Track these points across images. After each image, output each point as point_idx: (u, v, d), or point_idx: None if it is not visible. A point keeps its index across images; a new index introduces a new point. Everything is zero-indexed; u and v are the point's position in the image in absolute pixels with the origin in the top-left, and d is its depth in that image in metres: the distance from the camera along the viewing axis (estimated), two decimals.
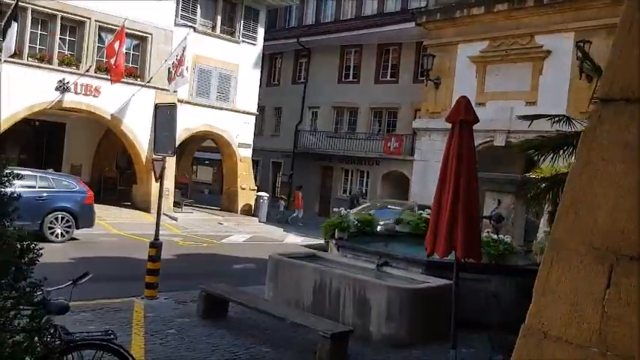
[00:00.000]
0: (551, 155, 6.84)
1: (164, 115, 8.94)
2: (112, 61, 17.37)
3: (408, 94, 25.98)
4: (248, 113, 23.62)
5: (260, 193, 23.72)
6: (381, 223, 14.27)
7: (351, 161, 27.90)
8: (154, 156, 9.11)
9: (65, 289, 4.53)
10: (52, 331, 4.05)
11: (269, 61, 32.30)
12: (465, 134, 5.66)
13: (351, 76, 29.15)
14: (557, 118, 7.27)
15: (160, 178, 8.98)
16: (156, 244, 8.73)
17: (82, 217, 13.59)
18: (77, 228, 13.62)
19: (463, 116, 5.68)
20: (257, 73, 24.12)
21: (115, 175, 24.07)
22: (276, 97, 31.50)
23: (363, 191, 27.31)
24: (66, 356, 4.09)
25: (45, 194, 13.14)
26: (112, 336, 4.05)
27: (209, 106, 22.14)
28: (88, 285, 9.40)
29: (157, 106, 9.16)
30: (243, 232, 19.35)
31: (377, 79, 28.02)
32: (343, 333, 6.50)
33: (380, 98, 27.29)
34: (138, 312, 7.96)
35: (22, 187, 12.80)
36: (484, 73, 22.37)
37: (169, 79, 19.06)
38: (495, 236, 8.53)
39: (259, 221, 22.54)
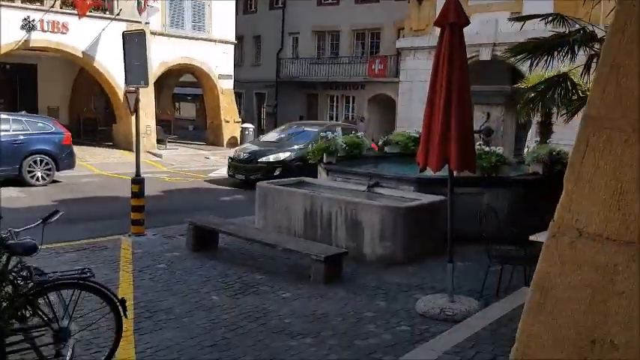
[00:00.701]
0: (546, 57, 6.45)
1: (133, 43, 8.37)
2: None
3: (391, 13, 25.06)
4: (226, 42, 22.73)
5: (245, 125, 23.23)
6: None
7: (336, 87, 27.27)
8: (126, 88, 8.62)
9: (37, 230, 4.23)
10: (22, 273, 3.78)
11: None
12: (456, 38, 5.24)
13: None
14: (550, 18, 6.83)
15: (135, 111, 8.53)
16: (138, 180, 8.41)
17: (62, 159, 13.16)
18: (57, 170, 13.22)
19: (453, 18, 5.23)
20: None
21: (94, 116, 23.41)
22: (255, 24, 30.36)
23: (350, 117, 26.85)
24: (43, 298, 3.85)
25: (21, 137, 12.64)
26: (89, 274, 3.79)
27: (184, 37, 21.21)
28: (72, 226, 9.24)
29: (124, 35, 8.56)
30: None
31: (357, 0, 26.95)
32: (337, 255, 6.33)
33: (362, 19, 26.34)
34: (125, 249, 7.75)
35: None
36: None
37: (139, 10, 18.14)
38: (487, 148, 8.26)
39: None
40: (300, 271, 6.75)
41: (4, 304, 3.52)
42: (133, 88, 8.47)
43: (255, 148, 15.21)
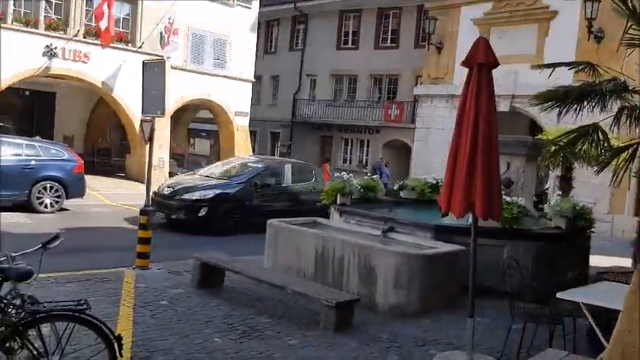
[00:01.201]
0: (575, 106, 6.22)
1: (152, 72, 8.29)
2: (101, 23, 16.55)
3: (409, 59, 25.23)
4: (244, 80, 22.88)
5: None
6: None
7: (351, 130, 27.24)
8: (142, 117, 8.49)
9: (35, 255, 3.97)
10: (15, 301, 3.50)
11: (265, 28, 31.40)
12: (484, 79, 5.04)
13: (350, 42, 28.30)
14: (580, 66, 6.64)
15: (150, 140, 8.38)
16: (146, 211, 8.17)
17: (72, 187, 12.99)
18: (67, 198, 13.04)
19: (482, 59, 5.05)
20: (253, 37, 23.31)
21: (109, 146, 23.46)
22: (274, 65, 30.68)
23: (364, 161, 26.70)
24: (35, 329, 3.55)
25: (32, 162, 12.52)
26: (85, 306, 3.50)
27: (204, 73, 21.39)
28: (76, 255, 8.97)
29: (144, 63, 8.50)
30: None
31: (377, 45, 27.20)
32: (349, 302, 5.99)
33: (380, 65, 26.51)
34: (128, 282, 7.44)
35: (6, 155, 12.27)
36: (488, 36, 21.55)
37: (162, 45, 18.31)
38: (509, 199, 7.96)
39: None
40: (308, 316, 6.39)
41: None
42: (149, 117, 8.34)
43: (184, 182, 13.16)
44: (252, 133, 30.48)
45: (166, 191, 12.58)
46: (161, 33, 18.22)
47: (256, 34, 23.83)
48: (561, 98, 6.17)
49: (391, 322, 6.53)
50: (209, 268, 7.32)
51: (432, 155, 22.73)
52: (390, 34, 26.93)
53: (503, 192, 10.92)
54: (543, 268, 8.00)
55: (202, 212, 11.99)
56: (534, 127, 22.62)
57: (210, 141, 34.51)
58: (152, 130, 8.32)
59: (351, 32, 28.28)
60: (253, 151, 27.97)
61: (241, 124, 23.07)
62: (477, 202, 4.84)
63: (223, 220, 12.19)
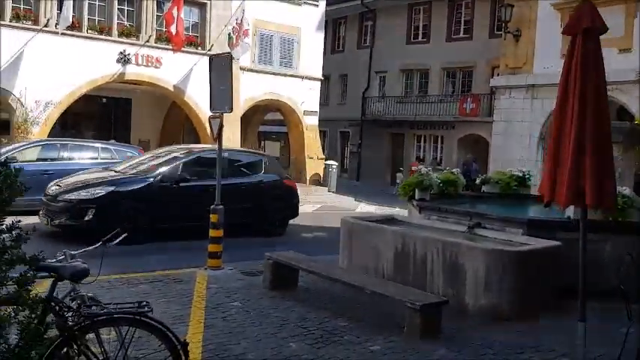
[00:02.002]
0: None
1: (219, 67, 8.03)
2: (172, 28, 16.69)
3: (484, 50, 24.10)
4: (313, 79, 22.57)
5: (329, 162, 22.74)
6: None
7: (424, 126, 26.37)
8: (210, 113, 8.24)
9: (96, 252, 3.67)
10: (72, 303, 3.19)
11: (332, 27, 31.06)
12: (591, 47, 4.32)
13: (420, 36, 27.45)
14: None
15: (219, 137, 8.12)
16: (217, 210, 7.90)
17: None
18: None
19: (588, 22, 4.34)
20: (320, 36, 22.96)
21: None
22: (341, 63, 30.26)
23: (438, 158, 25.78)
24: (94, 333, 3.23)
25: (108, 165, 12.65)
26: (146, 308, 3.14)
27: (272, 73, 21.25)
28: (148, 255, 8.85)
29: (211, 58, 8.26)
30: (312, 202, 18.46)
31: (449, 37, 26.20)
32: (436, 304, 5.40)
33: (453, 57, 25.50)
34: (200, 283, 7.18)
35: (83, 158, 12.46)
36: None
37: (231, 46, 18.27)
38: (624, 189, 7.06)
39: (329, 191, 21.61)
40: (390, 320, 5.85)
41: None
42: (217, 114, 8.08)
43: (81, 178, 10.46)
44: (322, 133, 30.19)
45: (52, 190, 10.09)
46: (229, 34, 18.18)
47: (323, 33, 23.44)
48: None
49: (482, 326, 5.89)
50: (282, 268, 6.93)
51: (511, 149, 21.54)
52: (462, 24, 25.88)
53: None
54: None
55: (89, 216, 9.37)
56: (623, 115, 21.00)
57: (281, 142, 34.57)
58: (221, 127, 8.06)
59: (421, 26, 27.42)
60: (323, 150, 27.71)
61: (310, 124, 22.78)
62: (586, 190, 4.14)
63: (117, 225, 8.99)
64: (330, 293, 6.85)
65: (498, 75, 22.55)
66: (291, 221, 13.93)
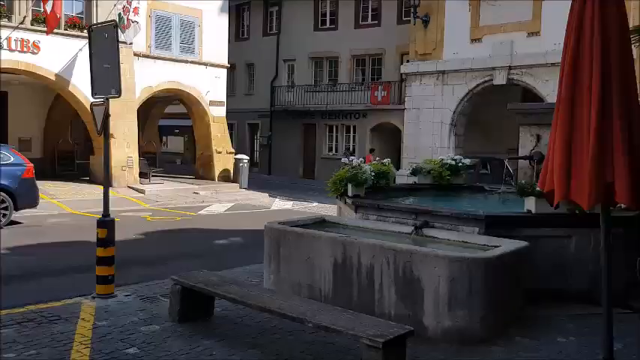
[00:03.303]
0: None
1: (101, 40, 6.33)
2: (47, 6, 14.35)
3: (393, 37, 23.46)
4: (218, 66, 20.78)
5: (239, 156, 21.11)
6: None
7: (336, 116, 25.39)
8: (93, 100, 6.51)
9: None
10: None
11: (235, 14, 29.29)
12: (613, 6, 3.18)
13: (328, 23, 26.37)
14: None
15: (104, 130, 6.41)
16: (106, 223, 6.22)
17: (22, 196, 10.93)
18: (16, 209, 10.97)
19: None
20: (224, 19, 21.20)
21: (71, 148, 21.20)
22: (247, 52, 28.62)
23: (351, 147, 24.92)
24: None
25: None
26: None
27: (172, 60, 19.24)
28: (23, 283, 6.98)
29: (90, 29, 6.50)
30: (223, 201, 16.86)
31: (357, 24, 25.34)
32: (400, 337, 4.15)
33: (361, 44, 24.67)
34: (85, 321, 5.51)
35: None
36: (478, 5, 19.89)
37: (121, 27, 16.16)
38: None
39: (240, 187, 20.03)
40: (339, 357, 4.55)
41: None
42: (101, 100, 6.37)
43: None
44: (230, 126, 28.47)
45: None
46: (119, 14, 16.06)
47: (227, 14, 21.68)
48: None
49: (449, 353, 4.73)
50: (194, 293, 5.43)
51: (424, 136, 21.08)
52: (370, 10, 25.08)
53: (533, 169, 9.23)
54: (620, 263, 6.28)
55: None
56: (527, 98, 21.08)
57: (184, 137, 32.38)
58: (106, 117, 6.35)
59: (328, 12, 26.35)
60: (231, 144, 26.05)
61: (217, 115, 21.00)
62: (617, 184, 3.01)
63: None
64: (258, 322, 5.45)
65: (408, 62, 22.00)
66: (201, 226, 12.34)
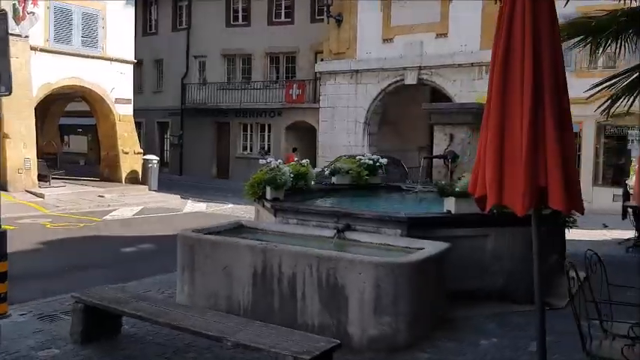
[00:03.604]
0: (606, 43, 4.54)
1: None
2: None
3: (307, 35, 23.36)
4: (124, 62, 19.68)
5: (148, 157, 20.13)
6: None
7: (250, 114, 24.92)
8: None
9: None
10: None
11: (143, 7, 28.05)
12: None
13: (240, 19, 25.81)
14: None
15: None
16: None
17: None
18: None
19: None
20: (130, 12, 20.10)
21: None
22: (156, 47, 27.47)
23: (266, 146, 24.58)
24: None
25: None
26: None
27: (73, 54, 17.95)
28: None
29: None
30: (131, 205, 15.96)
31: (270, 21, 24.99)
32: (325, 353, 3.90)
33: (275, 42, 24.36)
34: None
35: None
36: (389, 6, 20.19)
37: (17, 19, 14.90)
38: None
39: (150, 189, 19.11)
40: None
41: None
42: None
43: None
44: (138, 125, 27.25)
45: None
46: (14, 5, 14.77)
47: (134, 8, 20.62)
48: (594, 32, 4.41)
49: None
50: (98, 311, 4.91)
51: (339, 135, 21.17)
52: (283, 8, 24.82)
53: (447, 168, 9.37)
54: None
55: None
56: (435, 98, 21.70)
57: (88, 137, 30.62)
58: None
59: (240, 8, 25.79)
60: (140, 144, 24.92)
61: (124, 113, 19.90)
62: (551, 188, 2.93)
63: None
64: (170, 339, 5.03)
65: (322, 60, 21.99)
66: (107, 232, 11.59)
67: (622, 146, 16.54)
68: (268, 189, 7.03)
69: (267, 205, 6.94)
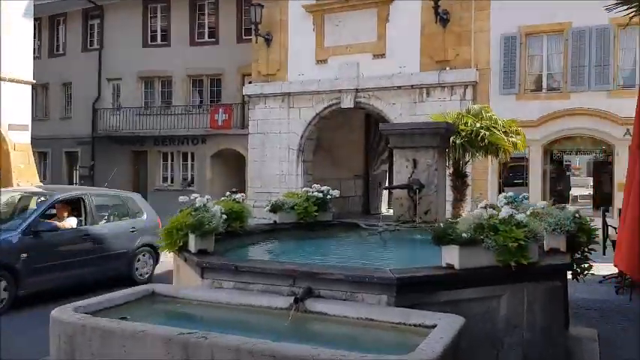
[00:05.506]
0: None
1: None
2: None
3: (233, 56, 21.58)
4: (20, 82, 17.04)
5: None
6: None
7: (170, 142, 22.67)
8: None
9: None
10: None
11: (49, 26, 25.39)
12: None
13: (159, 38, 23.69)
14: None
15: None
16: None
17: None
18: None
19: None
20: (28, 25, 17.56)
21: None
22: (63, 69, 24.76)
23: (189, 177, 22.36)
24: None
25: None
26: None
27: None
28: None
29: None
30: None
31: (192, 41, 23.09)
32: None
33: (198, 63, 22.43)
34: None
35: None
36: (322, 25, 18.78)
37: None
38: (509, 211, 4.51)
39: None
40: None
41: None
42: None
43: None
44: (42, 155, 24.34)
45: None
46: None
47: (32, 22, 18.06)
48: None
49: None
50: None
51: (270, 163, 19.30)
52: (207, 27, 22.98)
53: (412, 200, 7.74)
54: (557, 321, 4.80)
55: None
56: (370, 123, 20.44)
57: None
58: None
59: (159, 27, 23.69)
60: (44, 176, 21.98)
61: (19, 142, 17.14)
62: None
63: None
64: None
65: (251, 83, 20.21)
66: None
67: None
68: (192, 237, 5.06)
69: (192, 259, 4.95)
